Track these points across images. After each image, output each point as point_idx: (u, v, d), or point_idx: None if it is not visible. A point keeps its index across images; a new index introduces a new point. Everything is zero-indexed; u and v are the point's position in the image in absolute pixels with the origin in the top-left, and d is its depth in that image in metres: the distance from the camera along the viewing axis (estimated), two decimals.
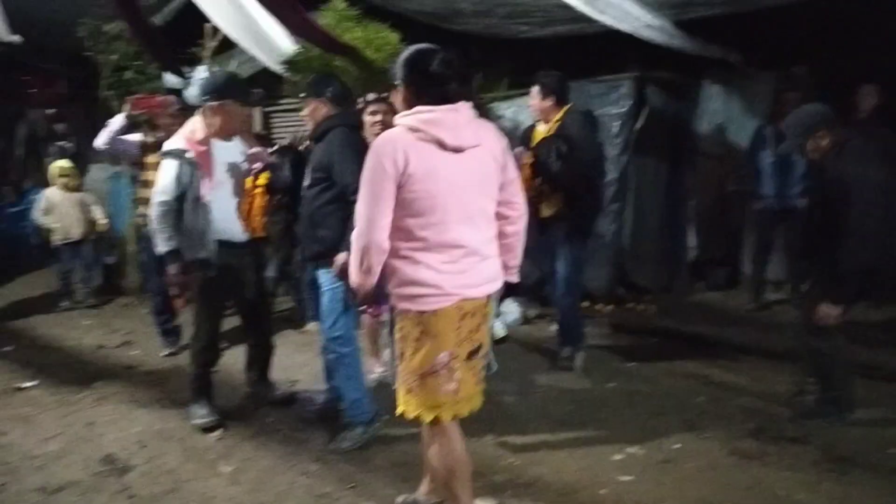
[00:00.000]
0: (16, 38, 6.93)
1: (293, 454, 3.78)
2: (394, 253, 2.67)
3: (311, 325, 5.95)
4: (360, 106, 4.45)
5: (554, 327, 5.75)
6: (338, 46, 5.77)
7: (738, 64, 6.39)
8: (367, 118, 4.38)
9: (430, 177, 2.58)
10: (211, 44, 6.65)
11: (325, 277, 3.78)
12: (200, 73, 6.67)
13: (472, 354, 2.79)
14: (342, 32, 5.96)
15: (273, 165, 3.87)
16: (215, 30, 6.48)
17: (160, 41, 6.27)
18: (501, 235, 2.87)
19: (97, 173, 10.25)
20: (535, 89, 4.90)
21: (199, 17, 6.31)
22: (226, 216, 3.92)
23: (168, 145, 3.93)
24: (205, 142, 3.87)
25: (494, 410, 4.26)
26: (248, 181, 3.81)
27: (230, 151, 3.98)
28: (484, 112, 6.55)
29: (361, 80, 5.77)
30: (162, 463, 3.70)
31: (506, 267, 2.92)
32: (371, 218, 2.59)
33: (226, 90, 3.89)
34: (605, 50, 6.22)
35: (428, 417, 2.76)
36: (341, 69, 5.86)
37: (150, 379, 4.97)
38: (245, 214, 3.88)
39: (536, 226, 4.50)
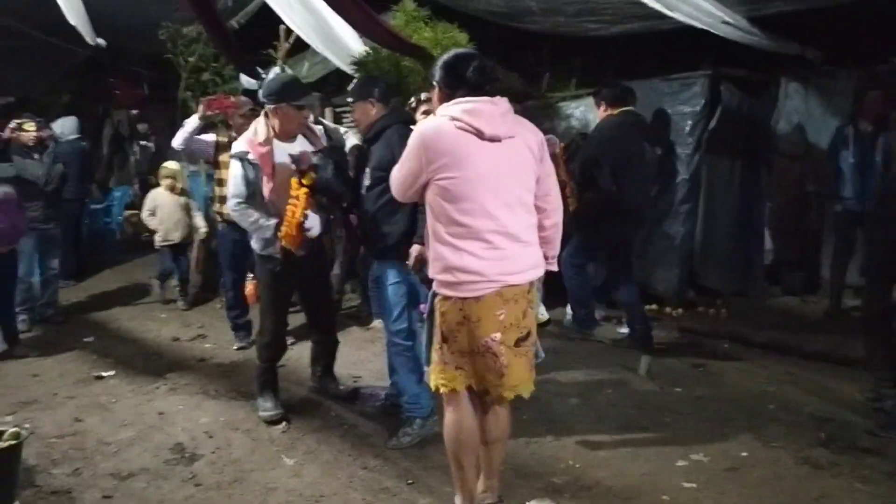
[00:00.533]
0: (101, 42, 7.26)
1: (354, 448, 3.83)
2: (437, 238, 2.82)
3: (376, 323, 6.02)
4: (412, 105, 4.49)
5: (623, 329, 5.70)
6: (406, 47, 5.82)
7: (818, 61, 6.17)
8: (420, 116, 4.41)
9: (467, 163, 2.72)
10: (284, 45, 6.80)
11: (390, 272, 3.84)
12: (273, 74, 6.84)
13: (520, 341, 2.85)
14: (411, 33, 6.01)
15: (317, 166, 3.89)
16: (289, 32, 6.63)
17: (235, 44, 6.44)
18: (540, 228, 2.94)
19: None
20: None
21: (275, 20, 6.47)
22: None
23: (233, 147, 4.03)
24: (266, 143, 3.92)
25: (556, 411, 4.25)
26: (294, 183, 3.81)
27: (292, 152, 3.99)
28: (552, 111, 6.52)
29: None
30: (228, 453, 3.79)
31: (545, 257, 3.00)
32: (406, 185, 2.88)
33: (281, 93, 3.93)
34: (678, 47, 6.09)
35: (477, 388, 2.89)
36: (409, 69, 5.92)
37: (220, 371, 5.11)
38: (289, 218, 3.87)
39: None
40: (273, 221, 3.89)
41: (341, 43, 6.32)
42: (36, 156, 6.23)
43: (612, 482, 3.45)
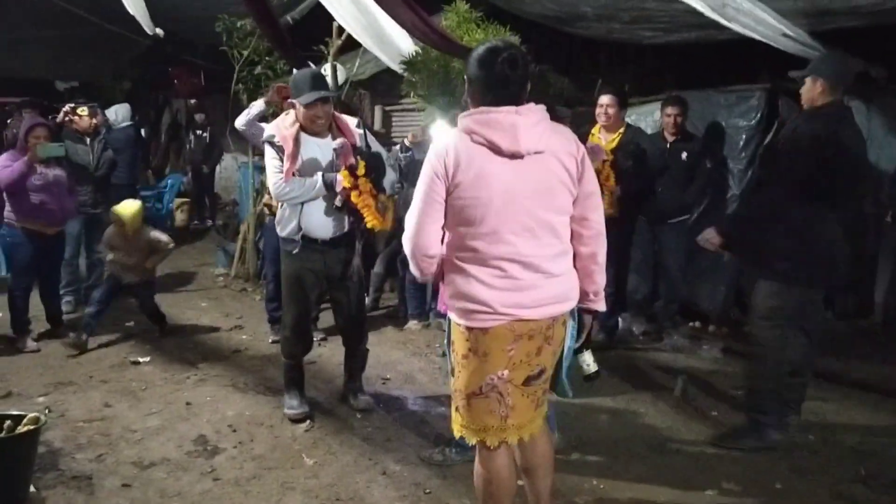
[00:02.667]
0: (159, 32, 7.38)
1: (375, 453, 3.80)
2: (449, 261, 2.57)
3: (411, 324, 6.00)
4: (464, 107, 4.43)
5: (664, 347, 5.57)
6: (455, 48, 5.76)
7: (883, 79, 5.90)
8: None
9: (481, 183, 2.41)
10: (336, 42, 6.81)
11: None
12: (325, 71, 6.86)
13: (530, 379, 2.56)
14: (463, 34, 5.96)
15: (360, 150, 3.84)
16: (341, 29, 6.64)
17: (287, 39, 6.47)
18: (576, 257, 2.62)
19: (229, 163, 10.82)
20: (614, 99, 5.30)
21: (328, 17, 6.48)
22: (309, 211, 3.94)
23: (266, 132, 4.03)
24: (292, 128, 3.89)
25: (584, 428, 4.14)
26: (345, 175, 3.80)
27: (319, 149, 3.95)
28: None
29: None
30: (249, 448, 3.80)
31: (584, 294, 2.66)
32: (419, 221, 2.50)
33: (294, 92, 3.90)
34: (735, 58, 5.90)
35: (472, 440, 2.60)
36: (458, 71, 5.86)
37: (251, 364, 5.14)
38: (360, 208, 3.86)
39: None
40: (315, 178, 3.86)
41: (391, 42, 6.30)
42: (88, 141, 6.37)
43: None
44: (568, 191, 2.52)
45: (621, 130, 5.33)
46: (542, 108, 2.52)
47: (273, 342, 5.58)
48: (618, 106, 5.30)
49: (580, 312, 2.75)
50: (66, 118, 6.33)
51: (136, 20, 6.87)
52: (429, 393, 4.67)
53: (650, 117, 6.33)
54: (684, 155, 5.66)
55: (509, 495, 2.68)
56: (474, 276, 2.49)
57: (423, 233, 2.51)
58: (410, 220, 2.54)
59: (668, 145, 5.67)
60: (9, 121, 9.67)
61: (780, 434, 3.92)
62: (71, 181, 5.60)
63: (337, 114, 4.13)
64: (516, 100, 2.46)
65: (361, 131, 4.07)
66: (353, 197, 3.83)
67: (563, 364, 2.74)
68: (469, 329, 2.52)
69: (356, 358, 4.42)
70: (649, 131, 6.11)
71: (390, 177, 4.12)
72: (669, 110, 5.65)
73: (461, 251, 2.52)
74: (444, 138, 2.54)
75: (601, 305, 2.72)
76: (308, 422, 4.10)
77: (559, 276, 2.55)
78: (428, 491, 3.41)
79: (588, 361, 3.04)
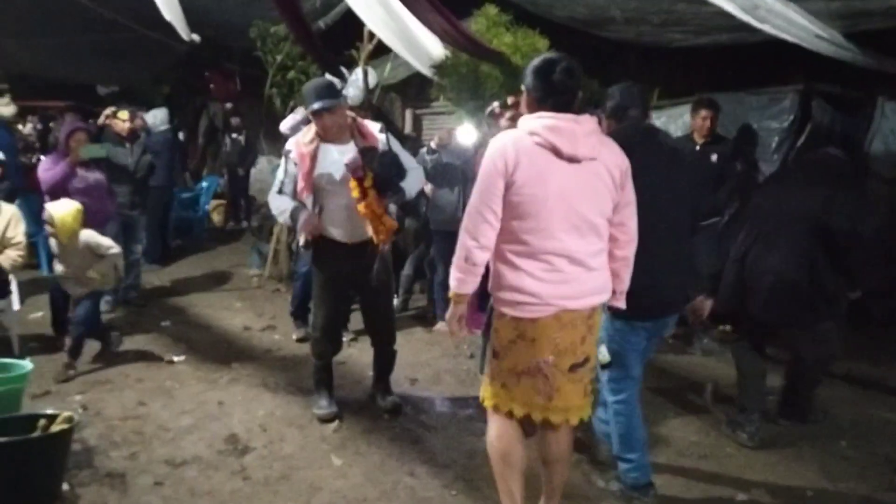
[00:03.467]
0: (195, 38, 7.52)
1: (403, 454, 3.84)
2: (498, 255, 2.74)
3: (441, 325, 6.03)
4: (496, 110, 4.46)
5: (694, 350, 5.55)
6: (484, 52, 5.80)
7: None
8: (505, 123, 4.39)
9: (540, 182, 2.63)
10: (367, 47, 6.88)
11: None
12: (356, 75, 6.94)
13: (575, 367, 2.78)
14: (492, 38, 6.00)
15: (369, 159, 3.87)
16: (372, 34, 6.70)
17: (319, 44, 6.55)
18: (610, 258, 2.85)
19: (263, 165, 10.96)
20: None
21: (359, 22, 6.55)
22: (334, 216, 3.99)
23: (287, 145, 4.12)
24: (310, 145, 3.96)
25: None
26: (354, 186, 3.83)
27: (340, 156, 3.94)
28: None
29: (507, 85, 5.77)
30: (279, 448, 3.86)
31: (613, 291, 2.90)
32: (477, 213, 2.67)
33: (309, 97, 3.93)
34: (768, 60, 5.85)
35: (520, 412, 2.80)
36: (487, 74, 5.90)
37: (283, 364, 5.21)
38: (368, 218, 3.91)
39: None
40: (290, 205, 3.98)
41: (421, 46, 6.35)
42: (127, 145, 6.52)
43: None
44: (611, 197, 2.76)
45: None
46: (595, 119, 2.75)
47: (298, 340, 5.68)
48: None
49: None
50: (107, 121, 6.48)
51: (174, 26, 7.01)
52: (457, 394, 4.70)
53: (680, 120, 6.30)
54: (714, 157, 5.60)
55: (522, 462, 2.91)
56: (524, 270, 2.69)
57: (480, 225, 2.67)
58: (469, 212, 2.71)
59: (697, 147, 5.62)
60: (51, 124, 9.94)
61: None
62: (110, 184, 5.74)
63: (360, 119, 4.16)
64: (570, 107, 2.70)
65: (384, 136, 4.09)
66: (361, 208, 3.86)
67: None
68: (517, 319, 2.73)
69: (384, 359, 4.46)
70: (679, 134, 6.08)
71: (415, 179, 4.13)
72: (702, 113, 5.57)
73: (512, 244, 2.71)
74: (504, 137, 2.72)
75: (623, 304, 2.96)
76: (336, 422, 4.16)
77: (598, 270, 2.78)
78: (455, 493, 3.44)
79: (603, 352, 3.21)
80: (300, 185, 3.96)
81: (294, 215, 3.98)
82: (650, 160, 3.15)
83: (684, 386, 4.93)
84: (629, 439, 3.36)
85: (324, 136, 3.98)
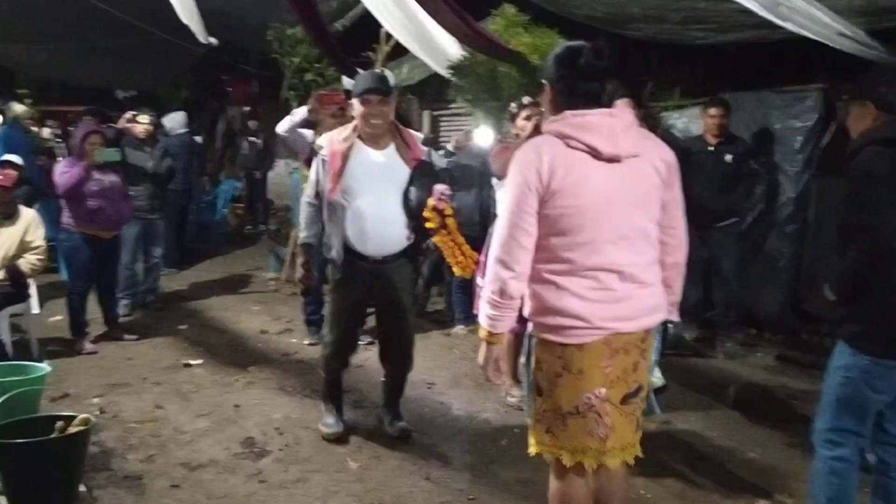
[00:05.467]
0: (213, 41, 7.54)
1: (420, 458, 3.79)
2: (535, 276, 2.37)
3: (458, 328, 5.99)
4: (513, 111, 4.40)
5: (717, 354, 5.49)
6: (502, 52, 5.75)
7: None
8: (521, 122, 4.31)
9: (580, 190, 2.26)
10: (385, 49, 6.86)
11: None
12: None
13: (628, 398, 2.40)
14: (510, 38, 5.95)
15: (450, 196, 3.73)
16: (389, 35, 6.68)
17: (336, 45, 6.54)
18: (661, 267, 2.48)
19: (281, 168, 10.99)
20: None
21: (376, 23, 6.53)
22: (361, 226, 3.70)
23: (318, 142, 3.95)
24: (345, 143, 3.71)
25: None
26: (431, 216, 3.68)
27: (374, 160, 3.72)
28: (653, 121, 6.30)
29: (525, 86, 5.72)
30: (295, 451, 3.83)
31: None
32: (510, 236, 2.31)
33: (361, 81, 3.75)
34: (791, 59, 5.75)
35: (570, 462, 2.40)
36: (505, 75, 5.85)
37: (299, 367, 5.19)
38: (445, 251, 3.79)
39: None
40: (303, 234, 3.90)
41: (438, 47, 6.32)
42: (147, 149, 6.54)
43: None
44: (659, 197, 2.40)
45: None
46: (631, 110, 2.44)
47: (310, 344, 5.64)
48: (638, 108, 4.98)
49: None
50: (128, 125, 6.52)
51: (191, 30, 7.04)
52: (474, 398, 4.66)
53: (701, 120, 6.20)
54: (728, 157, 5.53)
55: None
56: (567, 289, 2.32)
57: (514, 249, 2.31)
58: (499, 236, 2.35)
59: (711, 148, 5.54)
60: (70, 128, 10.00)
61: None
62: (125, 186, 5.76)
63: (402, 127, 3.92)
64: (601, 99, 2.32)
65: (427, 149, 3.88)
66: (440, 238, 3.68)
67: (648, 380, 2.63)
68: (563, 346, 2.35)
69: (397, 384, 4.15)
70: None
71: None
72: (712, 112, 5.52)
73: (552, 263, 2.34)
74: (531, 146, 2.37)
75: (676, 316, 2.63)
76: (338, 440, 3.98)
77: (652, 285, 2.43)
78: (472, 497, 3.39)
79: (657, 375, 2.91)
80: (328, 185, 3.69)
81: (300, 249, 3.93)
82: None
83: (707, 389, 4.84)
84: None
85: (364, 131, 3.72)
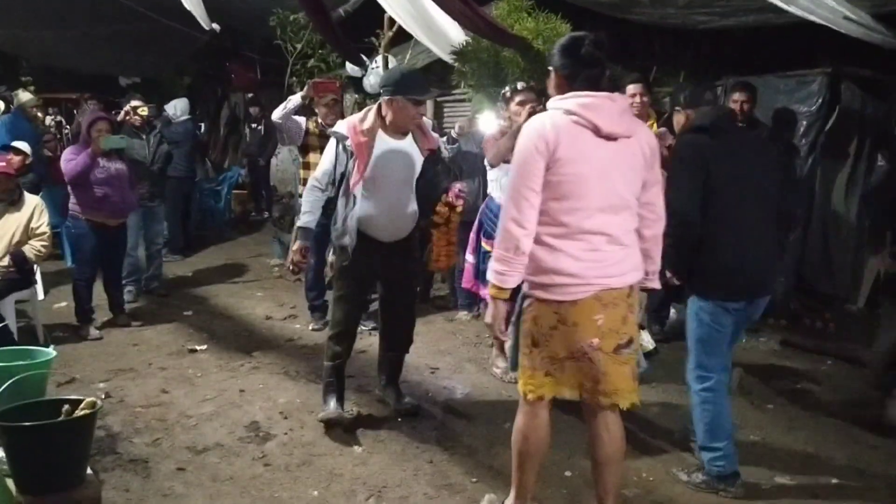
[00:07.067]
0: (215, 27, 7.53)
1: (423, 441, 3.82)
2: (534, 239, 2.66)
3: (461, 314, 6.00)
4: (506, 95, 4.39)
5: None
6: (505, 37, 5.73)
7: None
8: (514, 107, 4.30)
9: (580, 160, 2.59)
10: (388, 34, 6.84)
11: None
12: (376, 63, 6.91)
13: (619, 348, 2.70)
14: (513, 23, 5.92)
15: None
16: (392, 21, 6.66)
17: (339, 31, 6.53)
18: (640, 239, 2.81)
19: (285, 155, 10.97)
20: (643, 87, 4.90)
21: (379, 9, 6.51)
22: (377, 214, 3.76)
23: (336, 127, 3.85)
24: (369, 133, 3.69)
25: (635, 419, 4.06)
26: (443, 210, 3.69)
27: (396, 150, 3.76)
28: (657, 106, 6.29)
29: (528, 71, 5.71)
30: (300, 435, 3.86)
31: (645, 273, 2.84)
32: (522, 196, 2.61)
33: (400, 85, 3.68)
34: (796, 43, 5.72)
35: (572, 396, 2.77)
36: (508, 60, 5.83)
37: (303, 352, 5.22)
38: (439, 243, 3.80)
39: None
40: (305, 218, 3.81)
41: (441, 32, 6.30)
42: (143, 136, 6.55)
43: (685, 499, 3.30)
44: (642, 175, 2.74)
45: (654, 119, 5.01)
46: (626, 97, 2.75)
47: (314, 329, 5.68)
48: (648, 94, 5.02)
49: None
50: (126, 117, 6.53)
51: (194, 16, 7.02)
52: (477, 383, 4.68)
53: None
54: None
55: (542, 453, 2.88)
56: (563, 251, 2.63)
57: (525, 209, 2.61)
58: (512, 198, 2.64)
59: None
60: (76, 111, 10.01)
61: None
62: (132, 174, 5.77)
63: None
64: (600, 83, 2.67)
65: (442, 139, 3.94)
66: (439, 232, 3.72)
67: None
68: (559, 303, 2.66)
69: (396, 363, 4.24)
70: None
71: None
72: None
73: (550, 226, 2.65)
74: (540, 119, 2.67)
75: (657, 284, 2.96)
76: (356, 410, 4.11)
77: (632, 247, 2.76)
78: (475, 479, 3.42)
79: (646, 339, 3.18)
80: (354, 177, 3.67)
81: (299, 232, 3.85)
82: (736, 144, 3.35)
83: None
84: (715, 429, 3.29)
85: (392, 127, 3.73)
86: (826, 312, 5.98)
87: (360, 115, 3.82)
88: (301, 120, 5.50)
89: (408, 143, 3.81)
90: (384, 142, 3.74)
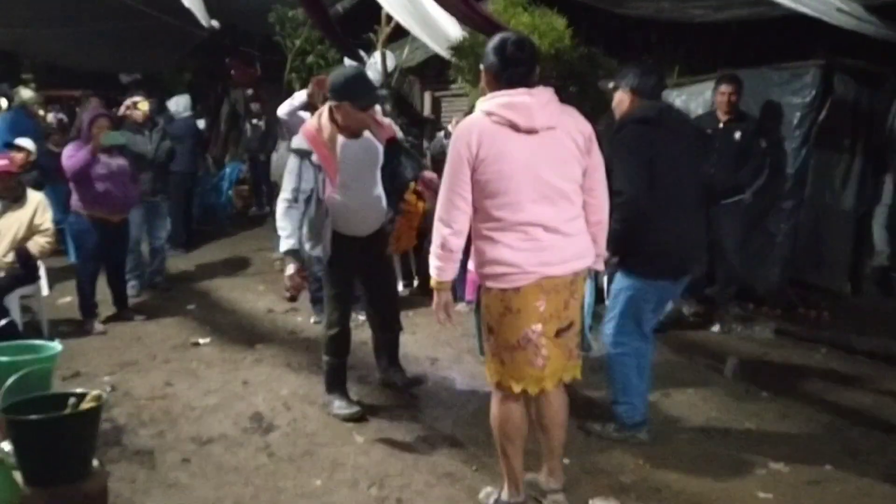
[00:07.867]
0: (215, 24, 7.56)
1: (424, 430, 3.89)
2: (476, 234, 2.85)
3: (461, 306, 6.05)
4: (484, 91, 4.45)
5: (715, 328, 5.55)
6: (501, 32, 5.77)
7: None
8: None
9: (502, 158, 2.72)
10: (385, 30, 6.89)
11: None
12: (374, 58, 6.96)
13: (560, 332, 2.88)
14: (510, 18, 5.96)
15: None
16: (389, 17, 6.71)
17: (337, 27, 6.57)
18: (586, 224, 2.94)
19: (285, 151, 10.99)
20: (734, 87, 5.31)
21: (376, 4, 6.56)
22: (353, 214, 3.85)
23: (294, 143, 3.82)
24: (331, 142, 3.70)
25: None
26: (413, 199, 3.77)
27: (358, 149, 3.81)
28: None
29: None
30: (302, 426, 3.93)
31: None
32: (449, 199, 2.78)
33: (342, 91, 3.67)
34: (789, 35, 5.77)
35: (516, 388, 2.89)
36: None
37: (306, 345, 5.28)
38: (403, 227, 3.85)
39: None
40: (290, 241, 3.72)
41: (439, 28, 6.35)
42: (146, 132, 6.61)
43: (682, 485, 3.35)
44: (578, 162, 2.85)
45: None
46: (550, 90, 2.83)
47: (316, 322, 5.71)
48: (737, 93, 5.23)
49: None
50: (127, 111, 6.57)
51: (193, 13, 7.06)
52: (476, 373, 4.71)
53: (700, 97, 6.24)
54: (738, 135, 5.51)
55: (521, 437, 3.01)
56: (501, 242, 2.78)
57: (452, 211, 2.78)
58: (441, 202, 2.81)
59: (720, 125, 5.55)
60: (77, 108, 10.05)
61: None
62: (133, 170, 5.83)
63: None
64: (527, 81, 2.77)
65: (389, 119, 4.03)
66: (405, 218, 3.78)
67: (585, 321, 3.05)
68: (503, 290, 2.80)
69: (394, 342, 4.37)
70: (700, 111, 6.03)
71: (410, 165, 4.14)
72: (723, 88, 5.45)
73: (487, 222, 2.80)
74: (465, 122, 2.85)
75: (600, 266, 3.11)
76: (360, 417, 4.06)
77: (575, 235, 2.87)
78: (475, 468, 3.48)
79: (589, 339, 3.16)
80: (328, 189, 3.73)
81: (289, 257, 3.76)
82: (675, 134, 3.55)
83: (705, 362, 4.93)
84: (626, 387, 3.68)
85: (351, 129, 3.76)
86: (820, 302, 6.05)
87: (314, 123, 3.76)
88: (305, 115, 5.54)
89: (367, 138, 3.86)
90: (346, 146, 3.77)
